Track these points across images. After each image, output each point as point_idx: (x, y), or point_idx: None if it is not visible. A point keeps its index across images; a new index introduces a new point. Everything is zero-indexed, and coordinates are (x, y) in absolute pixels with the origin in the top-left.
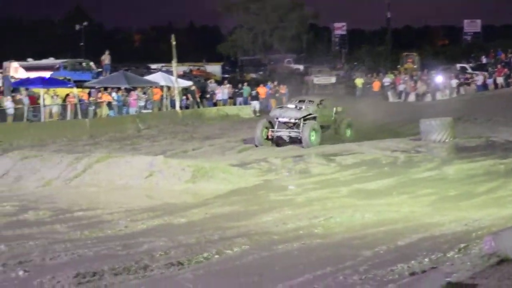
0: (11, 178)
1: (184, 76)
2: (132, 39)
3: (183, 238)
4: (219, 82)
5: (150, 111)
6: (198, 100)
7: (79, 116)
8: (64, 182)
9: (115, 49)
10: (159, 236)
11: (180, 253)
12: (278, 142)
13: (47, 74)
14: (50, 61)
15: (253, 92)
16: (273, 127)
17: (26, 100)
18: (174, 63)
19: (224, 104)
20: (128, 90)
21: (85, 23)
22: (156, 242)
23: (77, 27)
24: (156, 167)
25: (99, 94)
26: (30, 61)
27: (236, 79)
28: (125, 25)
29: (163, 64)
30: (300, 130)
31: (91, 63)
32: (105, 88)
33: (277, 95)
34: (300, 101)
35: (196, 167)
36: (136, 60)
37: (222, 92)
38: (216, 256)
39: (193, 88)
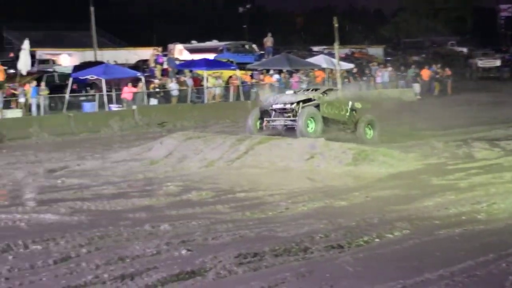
0: (175, 159)
1: (346, 58)
2: (294, 21)
3: (343, 221)
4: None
5: None
6: (360, 83)
7: (242, 98)
8: (226, 163)
9: (277, 32)
10: (319, 219)
11: (340, 236)
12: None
13: (210, 56)
14: (214, 43)
15: (413, 75)
16: (268, 117)
17: (190, 82)
18: (336, 45)
19: (385, 87)
20: (290, 73)
21: (248, 6)
22: (316, 225)
23: (240, 9)
24: (317, 149)
25: (261, 76)
26: (194, 43)
27: (398, 61)
28: (287, 7)
29: (325, 47)
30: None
31: (254, 46)
32: (267, 70)
33: (437, 76)
34: (305, 90)
35: (357, 150)
36: (298, 42)
37: (383, 75)
38: (377, 239)
39: (355, 70)
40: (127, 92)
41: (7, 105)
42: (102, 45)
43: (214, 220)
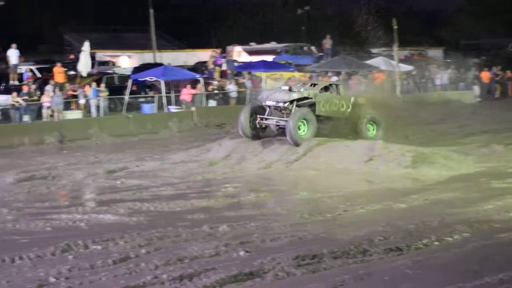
0: (234, 160)
1: (405, 60)
2: (353, 23)
3: (402, 223)
4: (441, 67)
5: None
6: (419, 85)
7: None
8: (284, 164)
9: (336, 33)
10: (378, 221)
11: (399, 238)
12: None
13: (269, 58)
14: (272, 45)
15: (472, 77)
16: (262, 114)
17: (248, 84)
18: (395, 47)
19: (445, 89)
20: (348, 74)
21: (306, 7)
22: (375, 227)
23: (299, 11)
24: (376, 151)
25: (320, 78)
26: (253, 45)
27: (458, 64)
28: (345, 9)
29: (384, 49)
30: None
31: (312, 47)
32: (326, 72)
33: (497, 78)
34: (303, 84)
35: (416, 152)
36: (357, 44)
37: (442, 77)
38: (436, 243)
39: (414, 73)
40: (186, 93)
41: (67, 106)
42: (161, 47)
43: (272, 222)
